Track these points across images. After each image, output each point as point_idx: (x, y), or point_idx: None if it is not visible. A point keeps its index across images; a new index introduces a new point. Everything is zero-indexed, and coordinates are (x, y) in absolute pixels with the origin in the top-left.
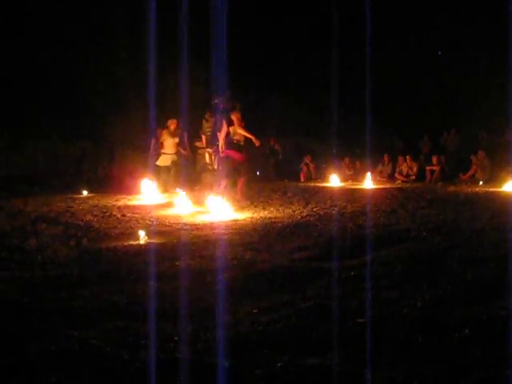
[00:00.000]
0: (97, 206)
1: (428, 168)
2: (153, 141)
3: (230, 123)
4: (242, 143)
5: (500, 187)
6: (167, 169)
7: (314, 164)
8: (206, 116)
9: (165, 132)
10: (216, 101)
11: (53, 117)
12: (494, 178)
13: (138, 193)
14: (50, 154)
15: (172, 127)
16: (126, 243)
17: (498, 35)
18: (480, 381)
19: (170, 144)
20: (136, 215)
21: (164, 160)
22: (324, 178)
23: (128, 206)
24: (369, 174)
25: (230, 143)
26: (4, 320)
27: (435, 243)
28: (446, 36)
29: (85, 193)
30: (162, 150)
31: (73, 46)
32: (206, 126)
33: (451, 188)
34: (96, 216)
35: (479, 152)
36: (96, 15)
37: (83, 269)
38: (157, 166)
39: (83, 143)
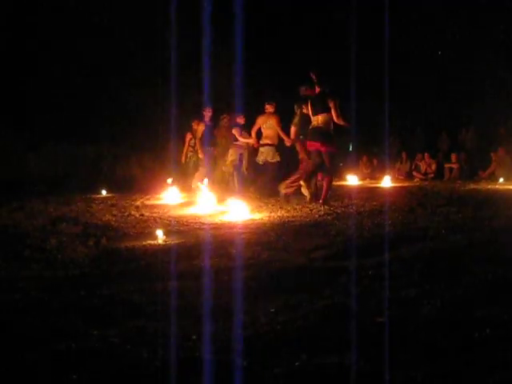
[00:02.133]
0: (115, 205)
1: (447, 166)
2: (188, 136)
3: (325, 110)
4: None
5: None
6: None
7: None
8: (295, 108)
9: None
10: (303, 91)
11: (71, 118)
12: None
13: (156, 192)
14: (68, 155)
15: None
16: (144, 242)
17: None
18: (502, 381)
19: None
20: (154, 215)
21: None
22: (341, 177)
23: (146, 206)
24: (387, 173)
25: (319, 133)
26: (26, 319)
27: (455, 242)
28: (464, 30)
29: (104, 193)
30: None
31: (92, 47)
32: (296, 120)
33: (471, 186)
34: (115, 216)
35: (499, 149)
36: (111, 11)
37: (102, 268)
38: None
39: (101, 144)
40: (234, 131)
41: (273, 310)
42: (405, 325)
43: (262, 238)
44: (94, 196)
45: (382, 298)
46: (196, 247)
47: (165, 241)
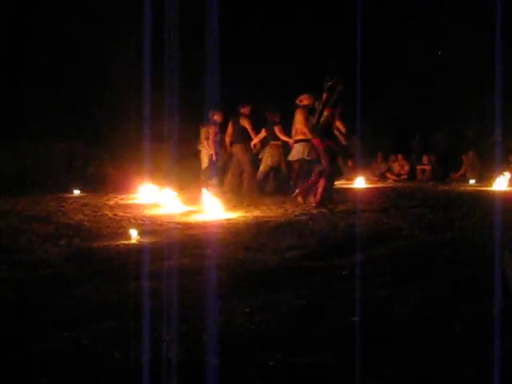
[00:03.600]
0: (88, 205)
1: (419, 167)
2: (214, 129)
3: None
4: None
5: (490, 186)
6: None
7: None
8: (315, 105)
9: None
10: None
11: (44, 116)
12: (484, 177)
13: (130, 192)
14: (40, 154)
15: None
16: (117, 242)
17: (487, 35)
18: (470, 378)
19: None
20: (128, 214)
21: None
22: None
23: (120, 205)
24: (360, 174)
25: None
26: None
27: (427, 242)
28: (437, 35)
29: (76, 192)
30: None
31: (65, 43)
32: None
33: (442, 187)
34: (87, 215)
35: (470, 152)
36: (89, 10)
37: (74, 268)
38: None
39: (74, 142)
40: (276, 129)
41: (247, 310)
42: (378, 324)
43: (237, 238)
44: (66, 195)
45: (356, 298)
46: (170, 247)
47: (139, 241)
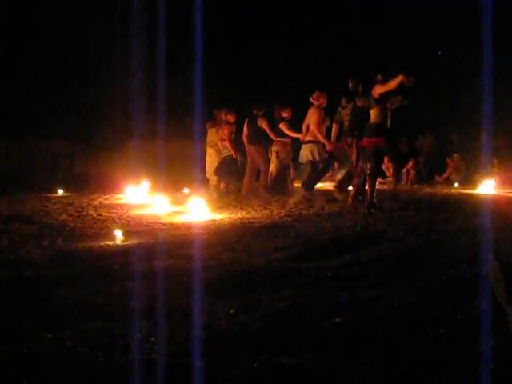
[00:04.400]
0: (72, 205)
1: (404, 170)
2: (230, 129)
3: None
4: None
5: (474, 189)
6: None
7: (294, 164)
8: (343, 102)
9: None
10: (350, 84)
11: (27, 115)
12: (468, 180)
13: (114, 192)
14: (24, 153)
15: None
16: (102, 243)
17: (472, 36)
18: (454, 379)
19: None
20: (112, 215)
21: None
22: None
23: (104, 205)
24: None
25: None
26: None
27: (411, 244)
28: (420, 35)
29: (60, 192)
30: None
31: (48, 41)
32: (344, 114)
33: (427, 190)
34: (71, 215)
35: (455, 155)
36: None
37: (58, 269)
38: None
39: (58, 142)
40: (282, 126)
41: (232, 311)
42: (363, 325)
43: (222, 239)
44: (49, 195)
45: (341, 299)
46: (155, 248)
47: (123, 241)
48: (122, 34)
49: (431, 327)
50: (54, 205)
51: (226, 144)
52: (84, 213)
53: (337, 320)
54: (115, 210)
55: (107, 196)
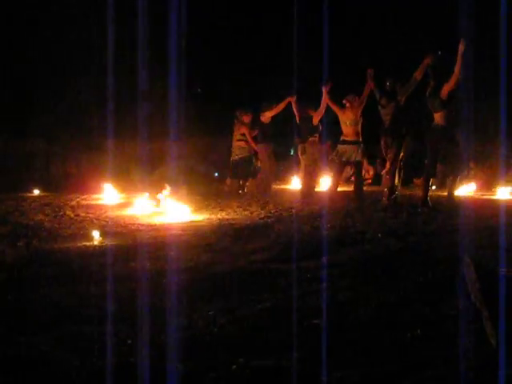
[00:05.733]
0: (49, 205)
1: (383, 172)
2: (246, 129)
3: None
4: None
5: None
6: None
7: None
8: (382, 102)
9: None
10: (388, 83)
11: (3, 113)
12: (445, 183)
13: (92, 192)
14: None
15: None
16: (79, 244)
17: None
18: (430, 379)
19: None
20: (90, 215)
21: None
22: (284, 180)
23: (82, 206)
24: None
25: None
26: None
27: (390, 246)
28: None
29: (36, 192)
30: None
31: (27, 39)
32: (384, 114)
33: (406, 192)
34: (48, 215)
35: None
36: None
37: (33, 271)
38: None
39: (35, 141)
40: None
41: (211, 313)
42: (342, 326)
43: (202, 240)
44: (25, 195)
45: (320, 301)
46: (133, 249)
47: (101, 242)
48: (103, 31)
49: (408, 328)
50: (30, 205)
51: (242, 144)
52: (61, 213)
53: (316, 321)
54: (93, 211)
55: (85, 196)
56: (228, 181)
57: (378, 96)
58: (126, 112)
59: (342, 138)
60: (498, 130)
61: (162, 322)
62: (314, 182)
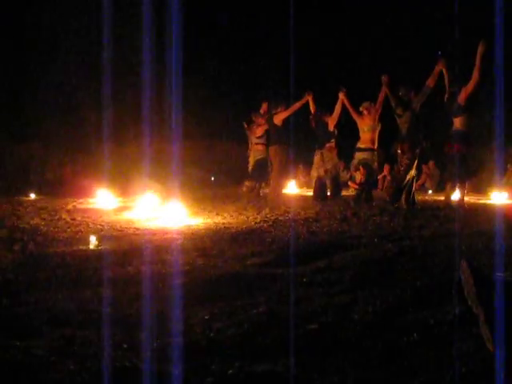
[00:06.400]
0: (45, 208)
1: (380, 176)
2: (261, 131)
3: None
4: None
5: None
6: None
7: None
8: (398, 111)
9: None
10: (401, 92)
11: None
12: (442, 187)
13: (88, 196)
14: None
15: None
16: (75, 248)
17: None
18: (426, 383)
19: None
20: (86, 219)
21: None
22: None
23: (78, 210)
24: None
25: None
26: None
27: (386, 250)
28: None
29: (32, 195)
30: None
31: (22, 42)
32: (401, 122)
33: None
34: (44, 219)
35: (430, 162)
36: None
37: (28, 274)
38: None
39: (31, 144)
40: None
41: (207, 318)
42: (338, 331)
43: (198, 245)
44: (21, 198)
45: (316, 305)
46: (130, 253)
47: (97, 246)
48: (100, 34)
49: (405, 332)
50: (26, 208)
51: (259, 147)
52: (57, 217)
53: (311, 326)
54: (89, 215)
55: (81, 200)
56: (247, 182)
57: (393, 105)
58: (123, 115)
59: (357, 146)
60: (492, 135)
61: (157, 326)
62: (339, 186)
